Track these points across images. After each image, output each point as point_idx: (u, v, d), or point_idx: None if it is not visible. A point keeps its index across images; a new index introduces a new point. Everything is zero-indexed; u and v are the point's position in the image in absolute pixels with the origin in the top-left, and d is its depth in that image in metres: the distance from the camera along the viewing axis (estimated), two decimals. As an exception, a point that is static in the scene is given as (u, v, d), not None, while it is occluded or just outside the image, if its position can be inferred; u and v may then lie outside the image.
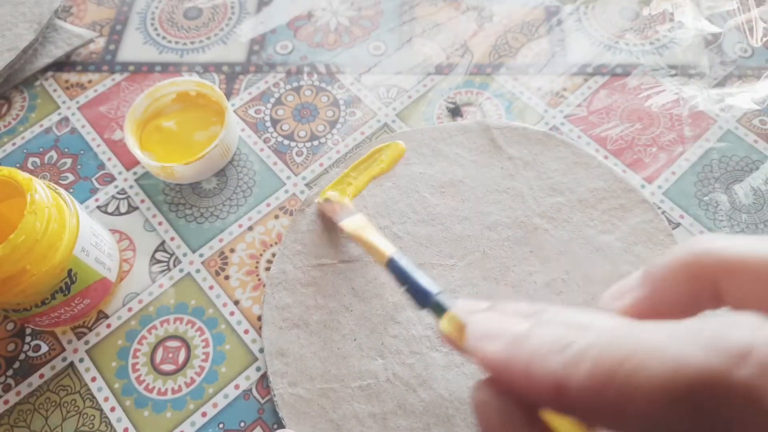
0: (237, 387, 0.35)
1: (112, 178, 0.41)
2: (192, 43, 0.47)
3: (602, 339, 0.16)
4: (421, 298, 0.27)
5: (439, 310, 0.26)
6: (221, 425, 0.34)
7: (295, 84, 0.44)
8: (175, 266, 0.38)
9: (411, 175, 0.39)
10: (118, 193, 0.41)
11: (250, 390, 0.34)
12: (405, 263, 0.30)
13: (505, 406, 0.19)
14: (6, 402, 0.35)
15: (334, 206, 0.37)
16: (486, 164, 0.39)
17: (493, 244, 0.37)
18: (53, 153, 0.43)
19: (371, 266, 0.36)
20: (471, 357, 0.20)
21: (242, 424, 0.34)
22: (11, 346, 0.36)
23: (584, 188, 0.38)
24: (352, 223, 0.35)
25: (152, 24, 0.48)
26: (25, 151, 0.43)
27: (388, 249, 0.31)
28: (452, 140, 0.40)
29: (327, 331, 0.35)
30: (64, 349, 0.36)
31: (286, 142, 0.42)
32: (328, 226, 0.37)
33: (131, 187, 0.41)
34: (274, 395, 0.33)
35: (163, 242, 0.39)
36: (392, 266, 0.30)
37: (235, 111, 0.43)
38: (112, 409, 0.34)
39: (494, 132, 0.40)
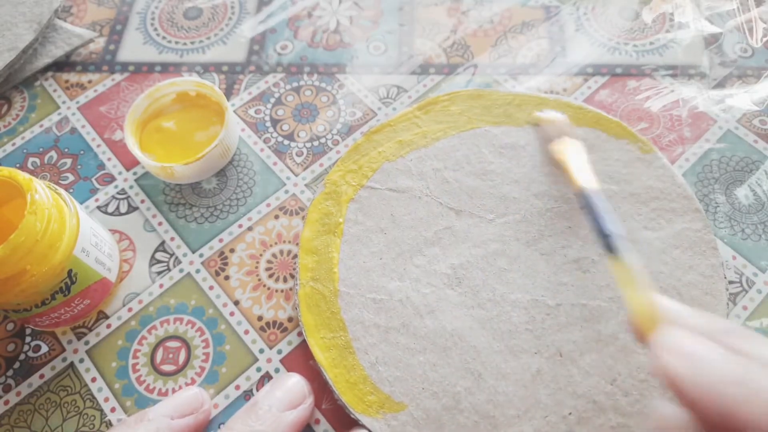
0: (237, 387, 0.35)
1: (112, 178, 0.41)
2: (192, 43, 0.47)
3: None
4: (600, 234, 0.31)
5: (614, 251, 0.29)
6: (222, 426, 0.34)
7: (295, 84, 0.44)
8: (175, 266, 0.38)
9: (476, 129, 0.40)
10: (118, 193, 0.41)
11: (251, 391, 0.34)
12: (596, 201, 0.33)
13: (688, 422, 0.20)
14: (6, 402, 0.35)
15: (548, 128, 0.39)
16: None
17: (535, 210, 0.38)
18: (53, 153, 0.42)
19: (415, 200, 0.38)
20: (650, 351, 0.22)
21: (242, 425, 0.34)
22: (11, 347, 0.36)
23: (640, 183, 0.38)
24: (560, 147, 0.37)
25: (152, 24, 0.48)
26: (25, 151, 0.43)
27: (586, 182, 0.34)
28: (526, 107, 0.41)
29: (358, 244, 0.37)
30: (64, 350, 0.36)
31: (286, 142, 0.42)
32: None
33: (131, 187, 0.41)
34: (297, 284, 0.36)
35: (163, 242, 0.39)
36: (583, 198, 0.33)
37: (235, 111, 0.43)
38: (113, 410, 0.34)
39: (570, 110, 0.41)
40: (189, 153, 0.39)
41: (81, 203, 0.40)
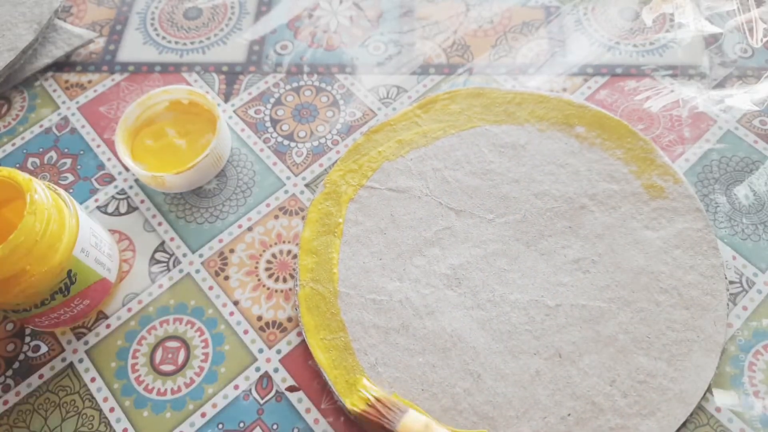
0: (236, 387, 0.35)
1: (112, 179, 0.41)
2: (192, 43, 0.47)
3: None
4: None
5: None
6: (221, 425, 0.34)
7: (295, 84, 0.44)
8: (174, 267, 0.38)
9: (476, 128, 0.41)
10: (117, 193, 0.41)
11: (250, 390, 0.34)
12: None
13: None
14: (5, 402, 0.35)
15: (379, 409, 0.32)
16: (552, 136, 0.40)
17: (535, 210, 0.38)
18: (53, 153, 0.43)
19: (415, 200, 0.38)
20: None
21: (241, 425, 0.34)
22: (11, 347, 0.36)
23: (642, 182, 0.38)
24: (411, 424, 0.31)
25: (152, 24, 0.48)
26: (24, 151, 0.43)
27: None
28: (527, 106, 0.41)
29: (358, 244, 0.37)
30: (63, 350, 0.36)
31: (286, 142, 0.42)
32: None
33: (131, 187, 0.41)
34: (297, 285, 0.36)
35: (162, 242, 0.39)
36: None
37: (234, 111, 0.43)
38: (111, 410, 0.34)
39: (571, 109, 0.41)
40: (181, 162, 0.39)
41: (81, 203, 0.40)
